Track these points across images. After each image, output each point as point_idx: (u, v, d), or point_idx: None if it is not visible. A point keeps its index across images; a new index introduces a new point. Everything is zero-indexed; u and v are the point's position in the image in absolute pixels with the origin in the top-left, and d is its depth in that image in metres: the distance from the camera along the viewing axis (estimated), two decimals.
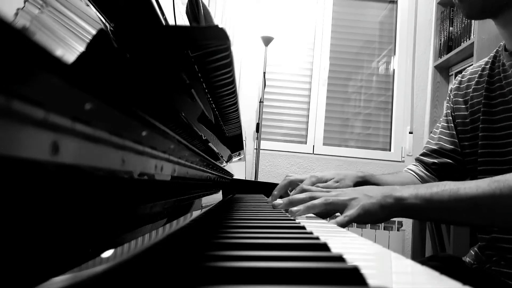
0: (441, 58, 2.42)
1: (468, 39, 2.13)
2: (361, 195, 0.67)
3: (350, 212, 0.65)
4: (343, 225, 0.63)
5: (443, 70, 2.49)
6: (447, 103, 1.00)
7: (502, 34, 0.83)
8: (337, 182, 0.88)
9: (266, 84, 2.66)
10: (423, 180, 0.96)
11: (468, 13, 0.81)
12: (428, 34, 2.74)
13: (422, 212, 0.66)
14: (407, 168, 1.01)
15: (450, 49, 2.33)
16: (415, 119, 2.75)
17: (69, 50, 0.19)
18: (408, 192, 0.66)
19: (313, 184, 0.89)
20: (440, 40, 2.45)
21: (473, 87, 0.91)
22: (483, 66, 0.91)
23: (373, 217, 0.65)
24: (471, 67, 0.96)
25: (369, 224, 2.51)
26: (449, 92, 1.00)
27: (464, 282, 0.24)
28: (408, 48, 2.83)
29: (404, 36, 2.85)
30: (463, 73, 0.98)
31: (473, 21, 2.06)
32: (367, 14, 2.92)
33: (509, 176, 0.60)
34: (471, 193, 0.62)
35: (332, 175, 0.91)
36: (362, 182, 0.90)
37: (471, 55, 2.07)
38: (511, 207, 0.60)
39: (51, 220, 0.19)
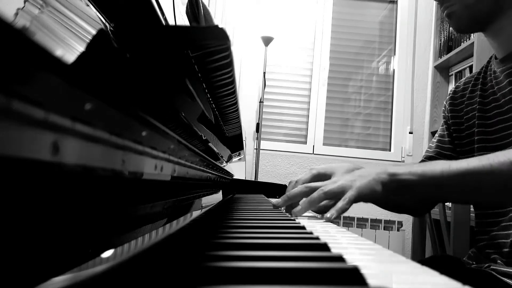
0: (441, 58, 2.41)
1: (468, 39, 2.13)
2: (355, 177, 0.69)
3: (348, 194, 0.66)
4: (345, 209, 0.64)
5: (443, 70, 2.48)
6: (442, 113, 1.05)
7: (492, 44, 0.87)
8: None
9: (266, 84, 2.66)
10: None
11: (457, 28, 0.85)
12: (428, 34, 2.74)
13: (416, 188, 0.68)
14: None
15: (450, 49, 2.33)
16: (415, 119, 2.75)
17: (69, 50, 0.19)
18: (402, 168, 0.69)
19: (314, 177, 0.89)
20: (440, 40, 2.45)
21: (467, 95, 0.95)
22: (475, 76, 0.95)
23: (371, 194, 0.67)
24: (465, 77, 1.01)
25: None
26: (444, 103, 1.04)
27: (464, 282, 0.24)
28: (408, 48, 2.83)
29: (404, 36, 2.85)
30: (457, 84, 1.02)
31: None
32: (367, 14, 2.92)
33: (499, 153, 0.64)
34: (462, 168, 0.65)
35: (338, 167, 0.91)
36: None
37: (471, 55, 2.07)
38: (501, 180, 0.62)
39: (51, 220, 0.19)
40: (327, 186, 0.69)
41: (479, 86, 0.91)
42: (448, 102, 1.01)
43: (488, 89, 0.88)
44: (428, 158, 1.00)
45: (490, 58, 0.91)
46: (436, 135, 1.04)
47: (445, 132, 1.00)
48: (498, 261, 0.79)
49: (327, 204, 0.71)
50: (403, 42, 2.85)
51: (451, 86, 2.49)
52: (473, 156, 0.88)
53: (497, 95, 0.85)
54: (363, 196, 0.66)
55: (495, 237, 0.81)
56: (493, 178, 0.62)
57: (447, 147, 0.98)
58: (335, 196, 0.68)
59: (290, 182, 0.91)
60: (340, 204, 0.65)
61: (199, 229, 0.45)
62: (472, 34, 2.07)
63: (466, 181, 0.64)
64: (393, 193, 0.69)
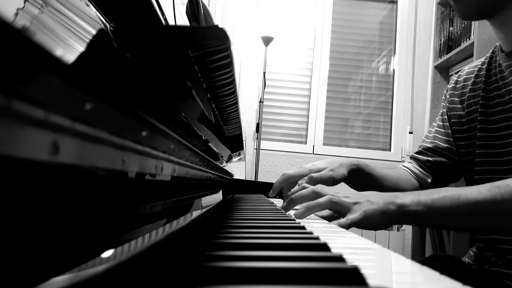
0: (441, 58, 2.41)
1: (468, 39, 2.13)
2: (363, 200, 0.67)
3: (352, 216, 0.65)
4: (345, 227, 0.63)
5: (443, 70, 2.48)
6: (442, 102, 1.00)
7: (498, 35, 0.83)
8: (332, 170, 0.86)
9: (266, 84, 2.66)
10: (417, 177, 0.97)
11: (464, 14, 0.81)
12: (428, 34, 2.74)
13: (424, 218, 0.66)
14: (402, 166, 1.01)
15: (450, 49, 2.32)
16: (415, 119, 2.75)
17: (69, 50, 0.19)
18: (409, 198, 0.66)
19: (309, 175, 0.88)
20: (440, 40, 2.45)
21: (469, 87, 0.91)
22: (479, 66, 0.90)
23: (374, 223, 0.65)
24: (467, 67, 0.96)
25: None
26: (445, 91, 1.00)
27: (464, 282, 0.24)
28: (408, 48, 2.83)
29: (404, 36, 2.85)
30: (459, 73, 0.98)
31: (473, 21, 2.06)
32: (367, 14, 2.92)
33: (510, 181, 0.61)
34: (472, 199, 0.62)
35: (326, 163, 0.89)
36: (356, 169, 0.90)
37: (471, 55, 2.07)
38: None
39: (51, 220, 0.19)
40: (337, 196, 0.68)
41: (483, 79, 0.87)
42: (449, 92, 0.97)
43: (492, 83, 0.84)
44: (425, 150, 0.97)
45: (495, 48, 0.87)
46: (434, 124, 1.00)
47: (444, 123, 0.96)
48: (500, 262, 0.78)
49: (329, 215, 0.70)
50: (403, 42, 2.85)
51: (448, 86, 2.48)
52: (474, 150, 0.85)
53: (501, 90, 0.81)
54: (364, 223, 0.65)
55: (495, 241, 0.80)
56: (505, 209, 0.60)
57: (446, 139, 0.95)
58: (339, 209, 0.67)
59: (284, 175, 0.91)
60: (342, 221, 0.64)
61: (199, 229, 0.45)
62: (472, 34, 2.07)
63: (476, 211, 0.62)
64: (399, 223, 0.67)
